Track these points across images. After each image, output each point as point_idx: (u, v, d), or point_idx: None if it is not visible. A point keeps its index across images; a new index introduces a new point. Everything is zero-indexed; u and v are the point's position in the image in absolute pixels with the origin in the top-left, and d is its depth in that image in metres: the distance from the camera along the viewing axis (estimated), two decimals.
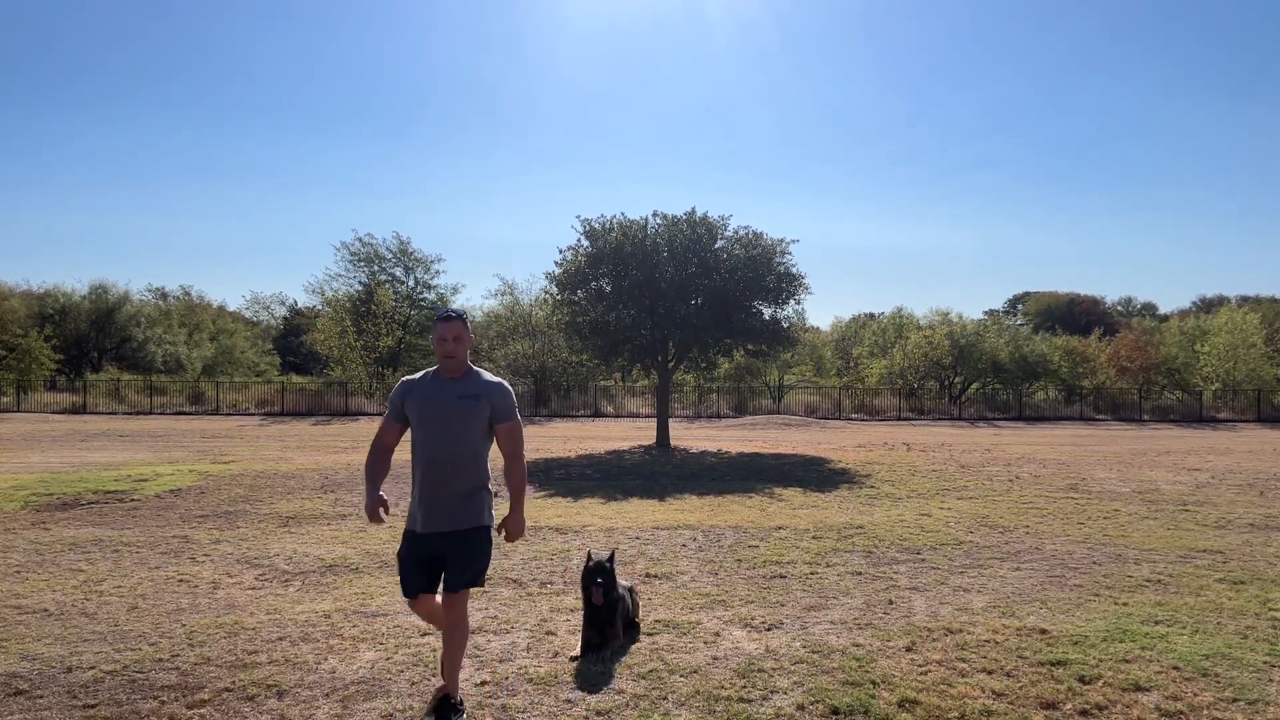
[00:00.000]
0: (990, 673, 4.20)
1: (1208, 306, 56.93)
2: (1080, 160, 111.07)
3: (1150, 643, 4.65)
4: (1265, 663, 4.35)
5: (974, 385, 35.02)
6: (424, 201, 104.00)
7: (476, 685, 4.05)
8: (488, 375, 3.74)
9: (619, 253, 16.89)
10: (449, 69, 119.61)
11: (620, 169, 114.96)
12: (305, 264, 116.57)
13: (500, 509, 3.90)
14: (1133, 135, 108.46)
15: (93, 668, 4.26)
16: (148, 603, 5.51)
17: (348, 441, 18.57)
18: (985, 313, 51.93)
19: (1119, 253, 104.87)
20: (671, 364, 18.50)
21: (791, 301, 17.72)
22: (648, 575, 6.30)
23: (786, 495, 10.65)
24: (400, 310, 36.56)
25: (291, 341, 52.01)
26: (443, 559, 3.64)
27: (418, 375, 3.80)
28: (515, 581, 6.11)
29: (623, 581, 4.83)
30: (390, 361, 35.03)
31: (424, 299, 38.23)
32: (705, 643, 4.68)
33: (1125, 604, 5.51)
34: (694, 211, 17.43)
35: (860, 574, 6.36)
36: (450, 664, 3.69)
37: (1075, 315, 62.67)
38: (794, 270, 17.31)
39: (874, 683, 4.04)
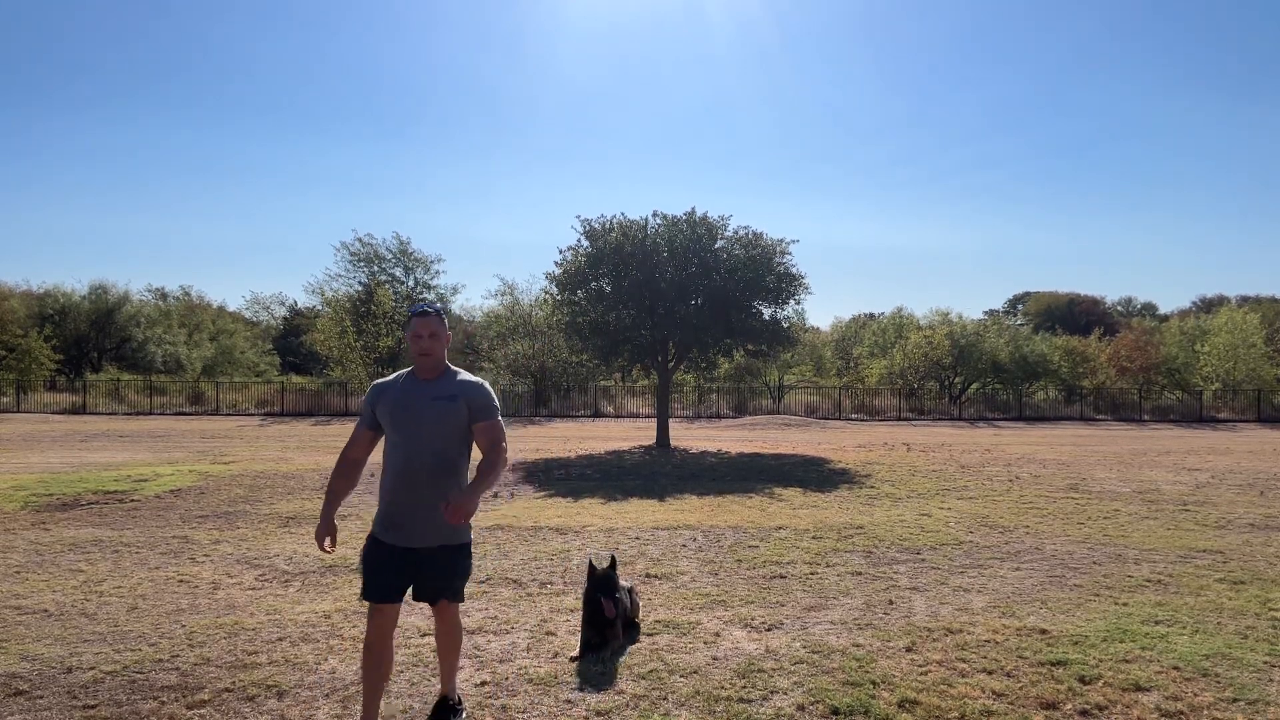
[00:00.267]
0: (990, 673, 4.20)
1: (1208, 306, 56.95)
2: (1080, 160, 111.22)
3: (1150, 643, 4.65)
4: (1265, 663, 4.35)
5: (974, 385, 35.01)
6: (424, 201, 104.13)
7: (476, 685, 4.05)
8: (466, 375, 3.49)
9: (619, 253, 16.89)
10: (449, 69, 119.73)
11: (620, 169, 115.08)
12: (305, 264, 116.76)
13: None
14: (1133, 135, 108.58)
15: (93, 668, 4.26)
16: (148, 603, 5.51)
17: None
18: (985, 313, 51.95)
19: (1119, 253, 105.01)
20: (671, 364, 18.50)
21: (791, 301, 17.74)
22: (648, 575, 6.30)
23: (786, 495, 10.65)
24: (400, 310, 36.50)
25: (291, 342, 52.03)
26: (415, 571, 3.38)
27: (390, 377, 3.56)
28: (515, 582, 6.11)
29: (622, 582, 4.83)
30: (390, 362, 34.98)
31: (424, 299, 38.23)
32: (705, 643, 4.68)
33: (1125, 604, 5.51)
34: (694, 211, 17.43)
35: (860, 574, 6.35)
36: (447, 669, 3.65)
37: (1075, 315, 62.69)
38: (794, 270, 17.33)
39: (874, 683, 4.04)
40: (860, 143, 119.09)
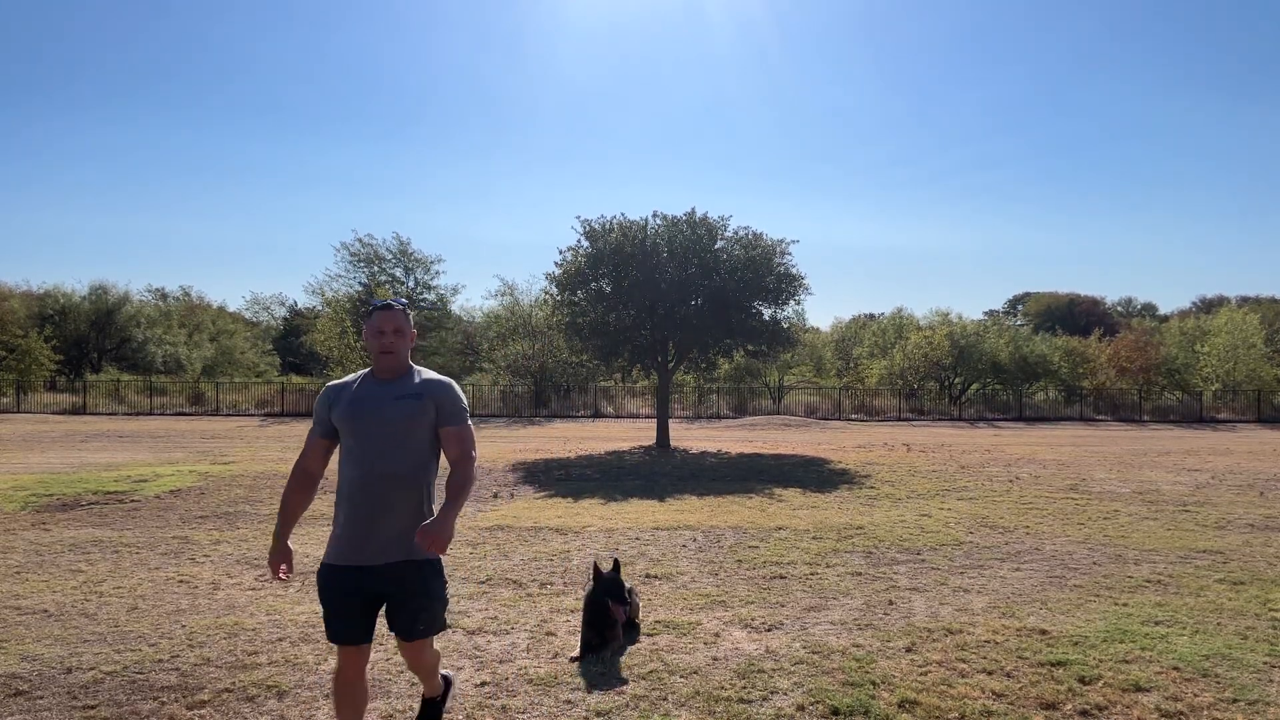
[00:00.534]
0: (990, 673, 4.20)
1: (1208, 307, 57.00)
2: (1080, 160, 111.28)
3: (1150, 643, 4.64)
4: (1265, 663, 4.35)
5: (974, 386, 35.01)
6: (424, 201, 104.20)
7: (476, 686, 4.05)
8: (430, 373, 3.12)
9: (619, 253, 16.88)
10: (449, 69, 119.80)
11: (620, 169, 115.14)
12: (305, 264, 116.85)
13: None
14: (1133, 135, 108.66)
15: (92, 668, 4.26)
16: (147, 603, 5.51)
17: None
18: (985, 313, 52.07)
19: (1119, 253, 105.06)
20: (671, 364, 18.50)
21: (791, 302, 17.76)
22: (648, 576, 6.30)
23: (786, 496, 10.65)
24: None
25: (291, 342, 52.01)
26: (381, 599, 3.01)
27: (346, 378, 3.16)
28: (515, 582, 6.11)
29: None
30: None
31: (424, 299, 38.23)
32: (705, 643, 4.67)
33: (1125, 604, 5.51)
34: (694, 212, 17.43)
35: (860, 574, 6.35)
36: (426, 687, 3.45)
37: (1075, 315, 62.70)
38: (794, 270, 17.33)
39: (874, 683, 4.04)
40: (860, 143, 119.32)
